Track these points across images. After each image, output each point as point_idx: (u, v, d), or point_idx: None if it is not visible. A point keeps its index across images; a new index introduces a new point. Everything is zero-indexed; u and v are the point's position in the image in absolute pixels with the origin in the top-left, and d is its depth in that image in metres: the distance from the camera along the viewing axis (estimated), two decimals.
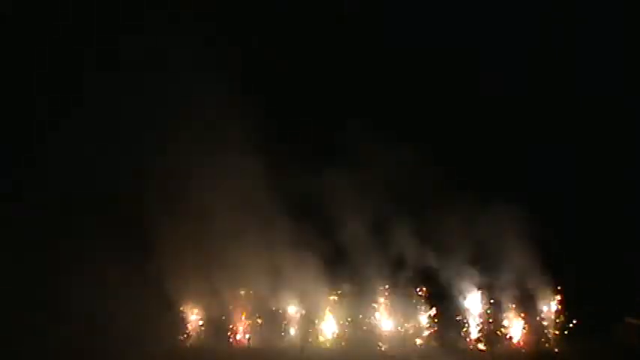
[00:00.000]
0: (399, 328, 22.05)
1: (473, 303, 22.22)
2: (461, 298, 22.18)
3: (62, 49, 21.46)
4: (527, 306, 22.27)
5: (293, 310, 21.93)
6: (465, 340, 22.13)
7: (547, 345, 22.13)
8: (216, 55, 20.89)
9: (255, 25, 22.23)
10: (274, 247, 21.02)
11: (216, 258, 20.85)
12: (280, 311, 21.96)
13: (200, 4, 21.44)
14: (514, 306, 22.22)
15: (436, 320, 22.13)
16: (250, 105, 20.82)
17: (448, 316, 22.21)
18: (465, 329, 22.17)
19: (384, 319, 22.09)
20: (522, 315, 22.24)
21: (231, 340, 21.78)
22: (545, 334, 22.21)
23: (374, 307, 22.10)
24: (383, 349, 21.80)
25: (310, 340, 21.76)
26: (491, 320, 22.15)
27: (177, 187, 20.78)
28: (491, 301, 22.18)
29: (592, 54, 22.69)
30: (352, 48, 22.59)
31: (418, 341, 22.02)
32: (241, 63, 21.34)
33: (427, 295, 22.15)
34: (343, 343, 21.84)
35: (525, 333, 22.24)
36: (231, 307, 21.81)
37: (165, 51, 21.03)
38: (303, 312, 21.90)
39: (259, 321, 21.88)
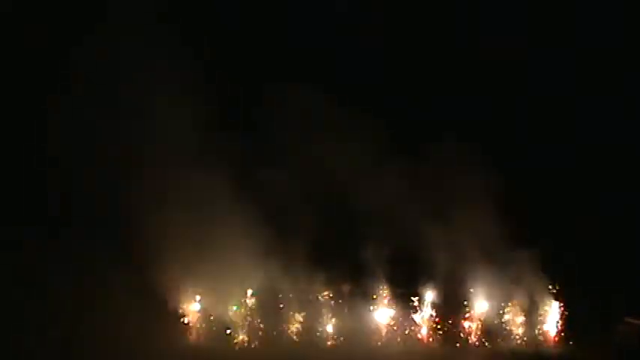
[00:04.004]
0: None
1: (473, 303, 22.25)
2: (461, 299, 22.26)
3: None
4: (528, 306, 22.28)
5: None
6: (465, 339, 22.19)
7: (547, 345, 22.16)
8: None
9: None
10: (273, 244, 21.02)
11: (212, 255, 20.88)
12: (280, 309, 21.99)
13: None
14: (514, 306, 22.24)
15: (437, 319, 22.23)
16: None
17: (448, 316, 22.27)
18: (465, 328, 22.23)
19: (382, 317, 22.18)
20: (522, 315, 22.25)
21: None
22: (545, 334, 22.22)
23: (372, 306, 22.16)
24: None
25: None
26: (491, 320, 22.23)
27: (168, 184, 20.77)
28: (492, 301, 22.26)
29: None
30: None
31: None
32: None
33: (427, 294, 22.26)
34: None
35: (525, 333, 22.25)
36: (230, 304, 21.84)
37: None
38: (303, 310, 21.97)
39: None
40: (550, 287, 22.19)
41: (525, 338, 22.29)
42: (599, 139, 22.69)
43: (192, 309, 21.70)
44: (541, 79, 22.95)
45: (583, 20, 22.66)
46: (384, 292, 22.02)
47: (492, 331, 22.21)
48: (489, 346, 22.10)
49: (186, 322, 21.66)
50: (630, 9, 22.71)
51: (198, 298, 21.57)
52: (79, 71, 20.57)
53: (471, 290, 22.18)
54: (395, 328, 22.05)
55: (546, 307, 22.31)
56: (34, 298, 19.72)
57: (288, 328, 21.79)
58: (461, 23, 23.18)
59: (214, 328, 21.71)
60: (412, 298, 22.16)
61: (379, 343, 21.91)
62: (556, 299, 22.31)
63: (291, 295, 21.68)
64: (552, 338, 22.29)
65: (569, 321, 22.22)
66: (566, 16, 22.85)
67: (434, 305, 22.16)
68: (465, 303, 22.21)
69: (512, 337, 22.28)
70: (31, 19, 21.44)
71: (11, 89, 21.18)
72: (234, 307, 21.64)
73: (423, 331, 22.15)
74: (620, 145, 22.73)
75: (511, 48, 22.42)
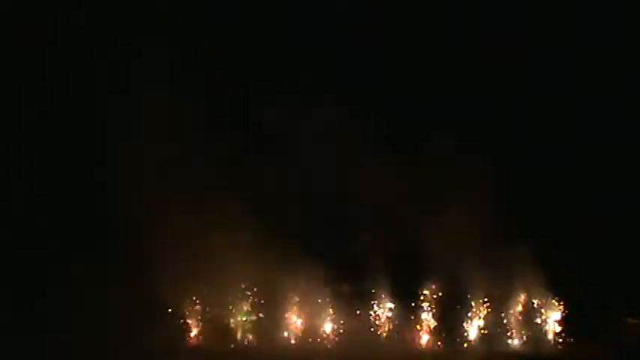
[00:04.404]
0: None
1: (473, 303, 22.26)
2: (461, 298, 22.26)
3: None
4: (528, 306, 22.28)
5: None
6: (465, 339, 22.21)
7: (547, 345, 22.16)
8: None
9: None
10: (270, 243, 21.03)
11: (211, 256, 20.91)
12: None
13: None
14: (514, 306, 22.25)
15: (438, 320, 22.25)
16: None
17: (448, 315, 22.29)
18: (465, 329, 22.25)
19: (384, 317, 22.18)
20: (522, 315, 22.26)
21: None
22: (545, 334, 22.22)
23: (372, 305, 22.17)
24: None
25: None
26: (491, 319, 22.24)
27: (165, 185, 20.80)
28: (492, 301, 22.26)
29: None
30: None
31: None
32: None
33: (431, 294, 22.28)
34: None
35: (525, 333, 22.26)
36: (230, 305, 21.85)
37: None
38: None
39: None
40: (550, 287, 22.19)
41: (525, 338, 22.29)
42: (599, 139, 22.68)
43: (191, 309, 21.77)
44: (541, 79, 22.95)
45: (583, 20, 22.68)
46: (383, 292, 22.04)
47: (492, 331, 22.21)
48: (489, 346, 22.09)
49: (185, 322, 21.74)
50: (630, 9, 22.73)
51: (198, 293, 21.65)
52: (75, 70, 20.64)
53: (471, 290, 22.16)
54: (394, 327, 22.08)
55: (546, 307, 22.31)
56: (34, 299, 19.78)
57: (288, 328, 21.84)
58: (461, 23, 23.22)
59: (213, 328, 21.80)
60: (412, 297, 22.18)
61: (378, 344, 21.93)
62: (556, 299, 22.31)
63: (290, 295, 21.73)
64: (552, 338, 22.27)
65: (569, 321, 22.20)
66: (566, 16, 22.87)
67: (434, 305, 22.17)
68: (465, 302, 22.21)
69: (513, 337, 22.27)
70: (29, 19, 21.52)
71: (10, 89, 21.26)
72: (243, 317, 21.72)
73: (423, 331, 22.17)
74: (620, 145, 22.72)
75: (511, 48, 22.44)
